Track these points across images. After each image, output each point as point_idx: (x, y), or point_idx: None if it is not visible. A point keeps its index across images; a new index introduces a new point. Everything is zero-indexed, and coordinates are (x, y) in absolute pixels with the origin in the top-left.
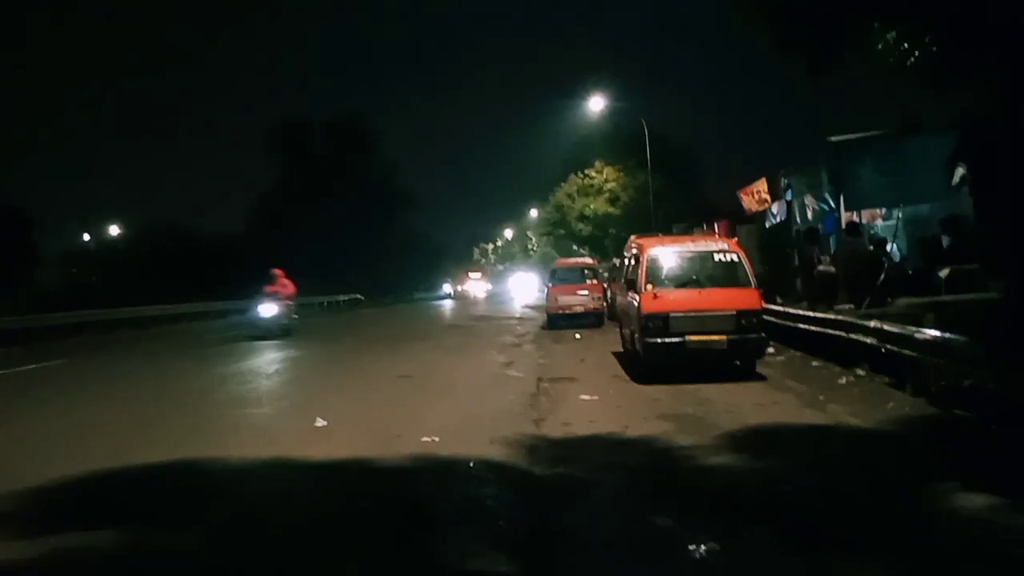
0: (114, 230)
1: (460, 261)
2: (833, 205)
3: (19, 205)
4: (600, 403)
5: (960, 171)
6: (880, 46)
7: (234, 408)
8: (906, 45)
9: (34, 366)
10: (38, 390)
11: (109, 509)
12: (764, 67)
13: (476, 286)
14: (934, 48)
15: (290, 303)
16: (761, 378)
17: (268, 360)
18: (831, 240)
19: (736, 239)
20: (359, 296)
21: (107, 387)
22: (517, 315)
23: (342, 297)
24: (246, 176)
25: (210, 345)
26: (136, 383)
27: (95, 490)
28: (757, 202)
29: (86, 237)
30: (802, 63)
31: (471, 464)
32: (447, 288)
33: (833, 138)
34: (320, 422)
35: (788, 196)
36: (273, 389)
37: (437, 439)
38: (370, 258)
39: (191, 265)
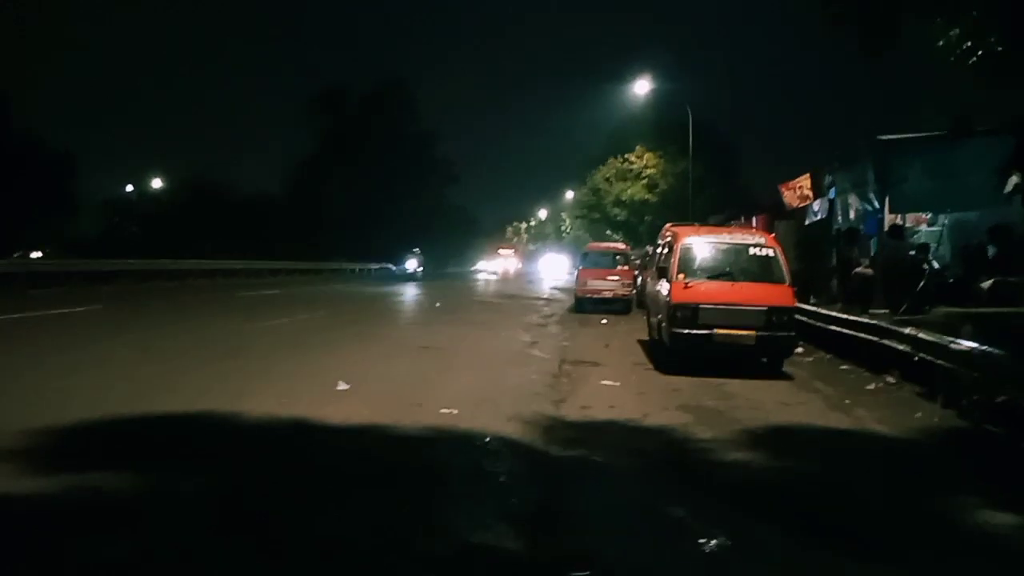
0: (156, 183)
1: (492, 238)
2: (877, 206)
3: (64, 151)
4: (621, 389)
5: (1014, 179)
6: (942, 42)
7: (258, 364)
8: (969, 44)
9: (69, 310)
10: (71, 333)
11: (122, 452)
12: (815, 61)
13: (506, 263)
14: (999, 48)
15: None
16: (788, 377)
17: (294, 318)
18: (872, 242)
19: (774, 234)
20: (390, 266)
21: (138, 334)
22: (545, 296)
23: (373, 266)
24: (287, 140)
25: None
26: (167, 332)
27: (112, 433)
28: (799, 198)
29: (129, 188)
30: (854, 39)
31: (487, 439)
32: (411, 265)
33: (882, 136)
34: (342, 385)
35: (831, 194)
36: (298, 350)
37: (456, 411)
38: (403, 227)
39: (229, 222)
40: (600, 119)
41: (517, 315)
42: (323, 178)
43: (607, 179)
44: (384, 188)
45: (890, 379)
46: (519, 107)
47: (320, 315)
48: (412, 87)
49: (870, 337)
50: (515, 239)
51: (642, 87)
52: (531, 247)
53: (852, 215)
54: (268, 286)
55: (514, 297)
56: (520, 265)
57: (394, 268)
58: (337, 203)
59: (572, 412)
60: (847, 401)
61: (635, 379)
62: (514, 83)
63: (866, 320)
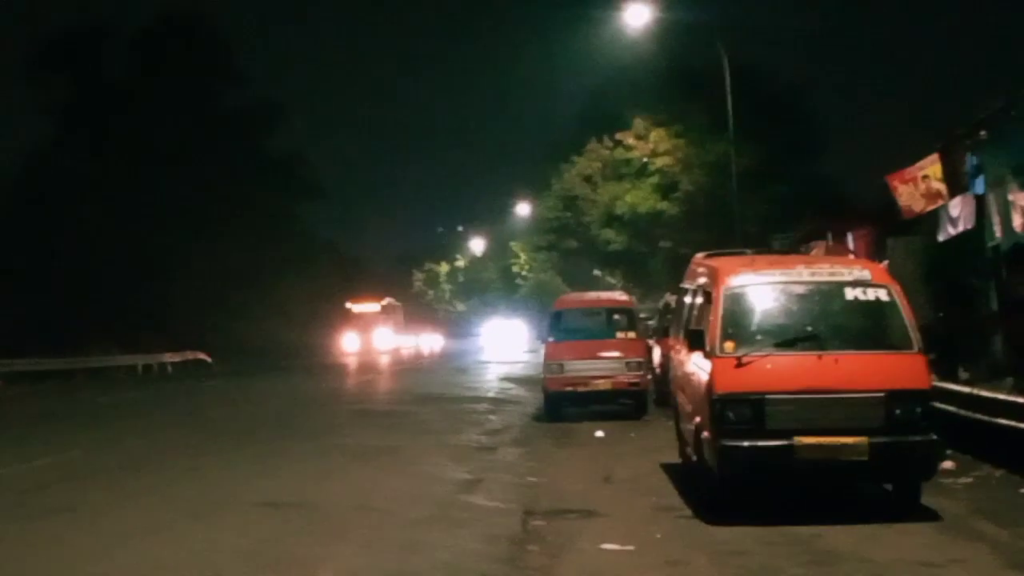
0: None
1: (390, 289)
2: None
3: None
4: (638, 558)
5: None
6: None
7: None
8: None
9: None
10: None
11: None
12: None
13: (368, 334)
14: None
15: None
16: (930, 516)
17: None
18: None
19: (886, 262)
20: (204, 357)
21: None
22: (490, 392)
23: (171, 359)
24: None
25: None
26: None
27: None
28: (924, 196)
29: None
30: None
31: None
32: None
33: None
34: None
35: (978, 187)
36: (34, 520)
37: None
38: (226, 280)
39: None
40: (572, 79)
41: (440, 432)
42: (66, 189)
43: (587, 178)
44: (186, 205)
45: None
46: (428, 74)
47: (71, 456)
48: (229, 23)
49: None
50: (430, 293)
51: (638, 16)
52: (455, 306)
53: (1019, 222)
54: None
55: (432, 400)
56: (399, 337)
57: None
58: (95, 228)
59: None
60: None
61: (661, 537)
62: (421, 37)
63: None
